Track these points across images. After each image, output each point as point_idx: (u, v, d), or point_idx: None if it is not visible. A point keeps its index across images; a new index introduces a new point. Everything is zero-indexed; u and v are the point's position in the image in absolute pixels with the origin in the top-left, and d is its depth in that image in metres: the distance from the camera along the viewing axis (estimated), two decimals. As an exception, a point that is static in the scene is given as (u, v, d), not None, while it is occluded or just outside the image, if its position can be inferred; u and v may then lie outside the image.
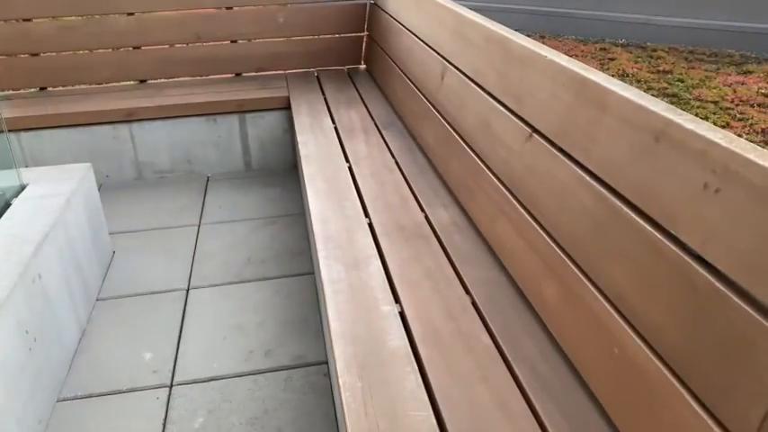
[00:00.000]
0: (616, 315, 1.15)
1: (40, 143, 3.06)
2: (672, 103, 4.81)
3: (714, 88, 5.17)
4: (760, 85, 5.24)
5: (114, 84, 3.46)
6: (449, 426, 1.18)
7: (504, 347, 1.38)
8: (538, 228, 1.47)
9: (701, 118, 1.11)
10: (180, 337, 2.10)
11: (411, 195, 2.09)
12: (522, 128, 1.60)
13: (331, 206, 2.01)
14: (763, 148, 0.91)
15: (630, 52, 6.37)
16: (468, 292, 1.58)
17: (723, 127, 4.30)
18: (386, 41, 3.12)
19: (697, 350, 0.94)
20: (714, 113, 4.63)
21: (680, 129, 1.04)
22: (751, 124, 4.43)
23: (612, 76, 5.23)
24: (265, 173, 3.33)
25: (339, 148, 2.49)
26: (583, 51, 6.45)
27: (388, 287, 1.60)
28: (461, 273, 1.66)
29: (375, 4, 3.39)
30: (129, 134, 3.14)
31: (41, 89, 3.35)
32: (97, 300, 2.30)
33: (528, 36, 1.75)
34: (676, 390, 0.97)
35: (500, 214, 1.69)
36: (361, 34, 3.58)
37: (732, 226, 0.90)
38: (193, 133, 3.20)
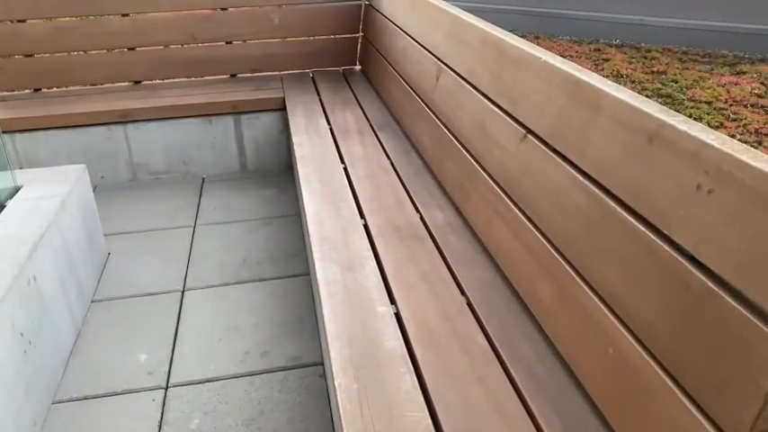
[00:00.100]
0: (610, 315, 1.15)
1: (34, 144, 3.05)
2: (666, 103, 4.83)
3: (708, 89, 5.19)
4: (753, 85, 5.26)
5: (109, 85, 3.45)
6: (444, 427, 1.18)
7: (499, 348, 1.38)
8: (532, 228, 1.48)
9: (694, 118, 1.12)
10: (175, 338, 2.10)
11: (406, 196, 2.10)
12: (517, 129, 1.60)
13: (326, 207, 2.01)
14: (756, 148, 0.92)
15: (625, 53, 6.39)
16: (463, 293, 1.59)
17: (717, 127, 4.33)
18: (381, 42, 3.12)
19: (690, 350, 0.95)
20: (708, 114, 4.65)
21: (673, 130, 1.04)
22: (744, 125, 4.45)
23: (607, 76, 5.25)
24: (261, 174, 3.33)
25: (334, 149, 2.49)
26: (577, 52, 6.46)
27: (383, 288, 1.60)
28: (457, 274, 1.66)
29: (370, 5, 3.40)
30: (124, 135, 3.13)
31: (36, 90, 3.34)
32: (92, 301, 2.29)
33: (522, 37, 1.76)
34: (670, 389, 0.98)
35: (495, 215, 1.69)
36: (356, 35, 3.59)
37: (725, 226, 0.91)
38: (189, 134, 3.20)
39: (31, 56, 3.24)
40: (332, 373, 1.33)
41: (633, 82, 5.43)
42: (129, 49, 3.33)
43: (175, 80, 3.48)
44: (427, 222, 1.92)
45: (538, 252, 1.44)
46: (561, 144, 1.39)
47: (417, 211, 2.00)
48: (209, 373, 1.94)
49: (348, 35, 3.58)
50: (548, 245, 1.40)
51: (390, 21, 2.96)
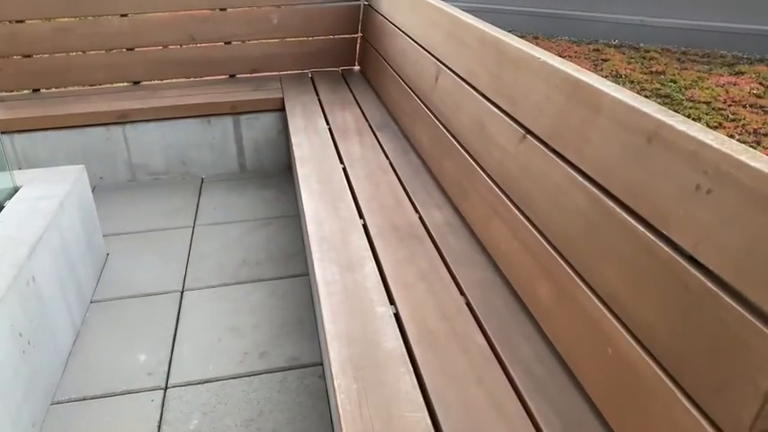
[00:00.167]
0: (609, 315, 1.15)
1: (33, 145, 3.05)
2: (665, 103, 4.84)
3: (706, 89, 5.19)
4: (752, 85, 5.27)
5: (108, 85, 3.45)
6: (444, 427, 1.18)
7: (498, 348, 1.38)
8: (531, 228, 1.48)
9: (693, 119, 1.13)
10: (174, 338, 2.10)
11: (405, 196, 2.10)
12: (516, 129, 1.61)
13: (325, 207, 2.01)
14: (755, 148, 0.92)
15: (623, 53, 6.39)
16: (462, 292, 1.59)
17: (715, 127, 4.33)
18: (380, 43, 3.12)
19: (689, 350, 0.95)
20: (707, 114, 4.65)
21: (672, 130, 1.04)
22: (743, 125, 4.46)
23: (606, 77, 5.25)
24: (260, 174, 3.33)
25: (333, 149, 2.49)
26: (576, 52, 6.47)
27: (382, 288, 1.60)
28: (456, 274, 1.66)
29: (369, 5, 3.40)
30: (123, 136, 3.13)
31: (34, 91, 3.34)
32: (91, 302, 2.29)
33: (521, 37, 1.76)
34: (669, 389, 0.98)
35: (494, 215, 1.69)
36: (355, 35, 3.59)
37: (724, 227, 0.91)
38: (188, 135, 3.20)
39: (29, 56, 3.24)
40: (331, 374, 1.33)
41: (632, 82, 5.44)
42: (127, 49, 3.33)
43: (174, 81, 3.47)
44: (426, 222, 1.92)
45: (537, 252, 1.45)
46: (560, 144, 1.39)
47: (416, 211, 2.01)
48: (208, 374, 1.94)
49: (347, 35, 3.58)
50: (547, 245, 1.40)
51: (389, 21, 2.96)
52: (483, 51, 1.85)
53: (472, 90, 1.92)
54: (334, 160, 2.38)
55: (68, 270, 2.09)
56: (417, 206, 2.03)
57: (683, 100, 4.96)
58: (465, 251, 1.77)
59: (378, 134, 2.64)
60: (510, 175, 1.62)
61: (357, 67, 3.67)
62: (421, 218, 1.96)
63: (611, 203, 1.18)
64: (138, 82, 3.44)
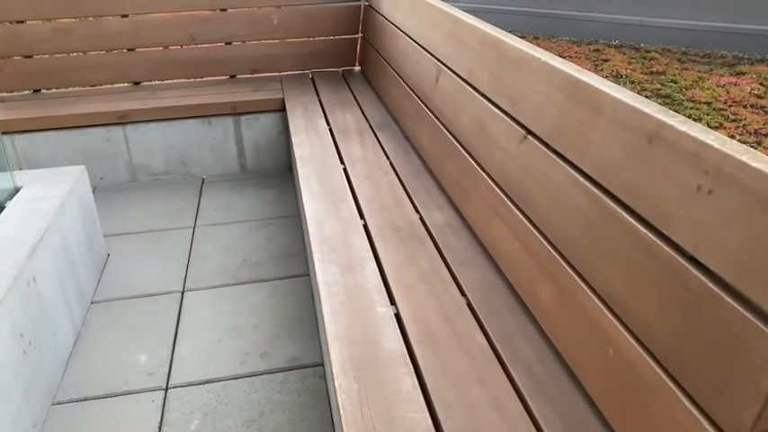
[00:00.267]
0: (610, 315, 1.15)
1: (33, 145, 3.05)
2: (665, 104, 4.84)
3: (707, 89, 5.19)
4: (753, 86, 5.27)
5: (108, 86, 3.45)
6: (445, 427, 1.18)
7: (499, 349, 1.38)
8: (532, 229, 1.48)
9: (694, 119, 1.13)
10: (175, 339, 2.10)
11: (406, 197, 2.10)
12: (517, 129, 1.61)
13: (326, 208, 2.01)
14: (756, 149, 0.92)
15: (624, 53, 6.39)
16: (463, 293, 1.59)
17: (716, 128, 4.33)
18: (380, 43, 3.12)
19: (690, 350, 0.95)
20: (707, 114, 4.65)
21: (673, 130, 1.04)
22: (744, 125, 4.46)
23: (606, 77, 5.25)
24: (260, 175, 3.33)
25: (334, 149, 2.49)
26: (576, 53, 6.47)
27: (383, 289, 1.60)
28: (456, 274, 1.66)
29: (369, 5, 3.40)
30: (124, 136, 3.13)
31: (35, 91, 3.34)
32: (92, 302, 2.29)
33: (522, 37, 1.76)
34: (670, 390, 0.98)
35: (495, 215, 1.69)
36: (356, 36, 3.59)
37: (725, 227, 0.91)
38: (188, 135, 3.20)
39: (30, 57, 3.24)
40: (332, 374, 1.33)
41: (632, 82, 5.44)
42: (128, 49, 3.33)
43: (175, 81, 3.48)
44: (427, 223, 1.92)
45: (538, 252, 1.45)
46: (561, 144, 1.39)
47: (417, 211, 2.01)
48: (208, 374, 1.94)
49: (347, 36, 3.59)
50: (547, 245, 1.40)
51: (390, 21, 2.96)
52: (483, 52, 1.86)
53: (473, 90, 1.92)
54: (334, 161, 2.38)
55: (69, 270, 2.09)
56: (418, 207, 2.03)
57: (683, 100, 4.96)
58: (466, 252, 1.77)
59: (378, 134, 2.64)
60: (511, 176, 1.62)
61: (358, 68, 3.67)
62: (422, 218, 1.96)
63: (611, 204, 1.18)
64: (139, 82, 3.44)
